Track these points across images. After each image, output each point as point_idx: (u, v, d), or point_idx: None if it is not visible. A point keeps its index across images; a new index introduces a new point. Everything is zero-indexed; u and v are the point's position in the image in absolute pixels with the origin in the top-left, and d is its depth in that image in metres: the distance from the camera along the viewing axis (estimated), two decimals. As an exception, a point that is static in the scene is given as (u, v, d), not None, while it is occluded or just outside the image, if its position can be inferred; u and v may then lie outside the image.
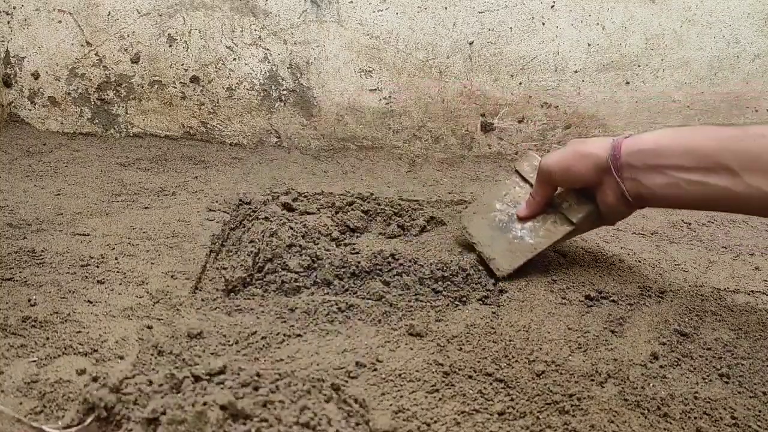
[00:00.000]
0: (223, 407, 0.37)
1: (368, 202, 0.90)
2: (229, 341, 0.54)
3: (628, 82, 1.26)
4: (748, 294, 0.69)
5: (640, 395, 0.49)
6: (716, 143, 0.55)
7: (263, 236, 0.76)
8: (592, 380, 0.51)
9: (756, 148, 0.52)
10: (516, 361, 0.53)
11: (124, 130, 1.36)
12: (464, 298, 0.66)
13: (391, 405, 0.46)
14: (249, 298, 0.66)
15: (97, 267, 0.69)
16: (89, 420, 0.40)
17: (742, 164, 0.53)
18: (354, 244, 0.79)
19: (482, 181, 1.14)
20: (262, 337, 0.56)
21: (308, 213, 0.86)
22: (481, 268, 0.72)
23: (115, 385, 0.39)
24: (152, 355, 0.51)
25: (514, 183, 0.75)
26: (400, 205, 0.89)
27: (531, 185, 0.72)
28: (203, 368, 0.41)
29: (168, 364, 0.50)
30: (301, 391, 0.41)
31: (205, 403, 0.37)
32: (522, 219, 0.70)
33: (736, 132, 0.55)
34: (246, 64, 1.30)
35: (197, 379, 0.41)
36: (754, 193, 0.52)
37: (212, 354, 0.52)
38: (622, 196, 0.62)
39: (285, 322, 0.60)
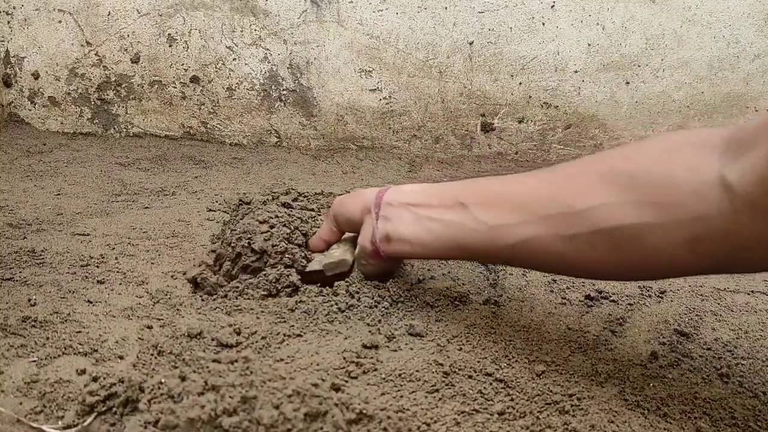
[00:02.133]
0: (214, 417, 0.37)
1: None
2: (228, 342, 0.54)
3: (628, 82, 1.26)
4: (748, 294, 0.69)
5: (640, 395, 0.49)
6: (460, 184, 0.57)
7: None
8: (592, 380, 0.51)
9: (484, 184, 0.56)
10: (516, 361, 0.53)
11: (124, 130, 1.36)
12: (464, 298, 0.66)
13: (391, 405, 0.46)
14: (249, 299, 0.66)
15: (97, 267, 0.69)
16: (89, 420, 0.40)
17: (472, 199, 0.54)
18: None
19: (482, 181, 1.15)
20: (262, 337, 0.56)
21: (308, 210, 0.86)
22: (485, 268, 0.72)
23: (114, 385, 0.39)
24: (152, 355, 0.51)
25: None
26: None
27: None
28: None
29: (168, 364, 0.50)
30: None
31: (202, 407, 0.37)
32: (311, 251, 0.70)
33: (485, 179, 0.57)
34: (246, 64, 1.30)
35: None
36: (480, 228, 0.53)
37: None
38: (371, 237, 0.61)
39: (285, 322, 0.60)
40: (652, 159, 0.45)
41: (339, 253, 0.67)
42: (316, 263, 0.68)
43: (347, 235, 0.70)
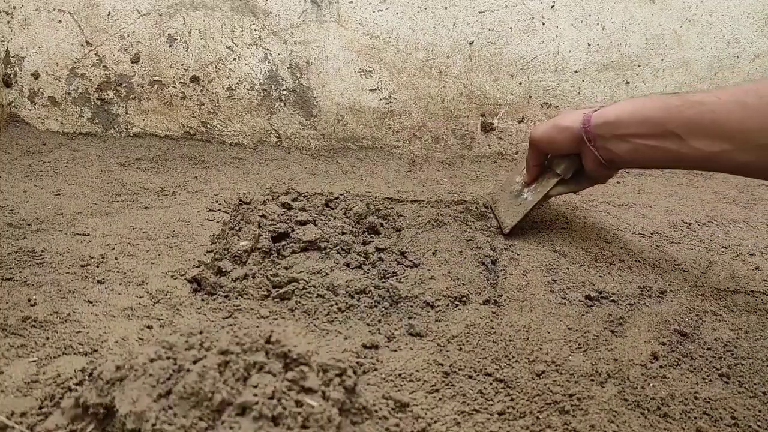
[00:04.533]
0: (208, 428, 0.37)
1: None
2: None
3: (628, 82, 1.26)
4: (748, 294, 0.69)
5: (640, 395, 0.49)
6: (665, 113, 0.65)
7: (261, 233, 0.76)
8: (592, 380, 0.51)
9: (696, 115, 0.62)
10: (516, 361, 0.53)
11: (124, 130, 1.36)
12: (464, 298, 0.66)
13: (391, 405, 0.46)
14: (249, 299, 0.66)
15: (97, 267, 0.69)
16: (90, 428, 0.40)
17: (686, 130, 0.62)
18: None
19: (482, 181, 1.14)
20: (262, 337, 0.56)
21: (305, 210, 0.86)
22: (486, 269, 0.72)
23: (108, 386, 0.39)
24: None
25: None
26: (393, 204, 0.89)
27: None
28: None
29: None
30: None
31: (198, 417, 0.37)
32: (527, 184, 0.83)
33: (680, 101, 0.64)
34: (246, 64, 1.30)
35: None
36: (697, 153, 0.62)
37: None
38: (599, 161, 0.73)
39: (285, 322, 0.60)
40: None
41: (560, 159, 0.78)
42: (548, 179, 0.80)
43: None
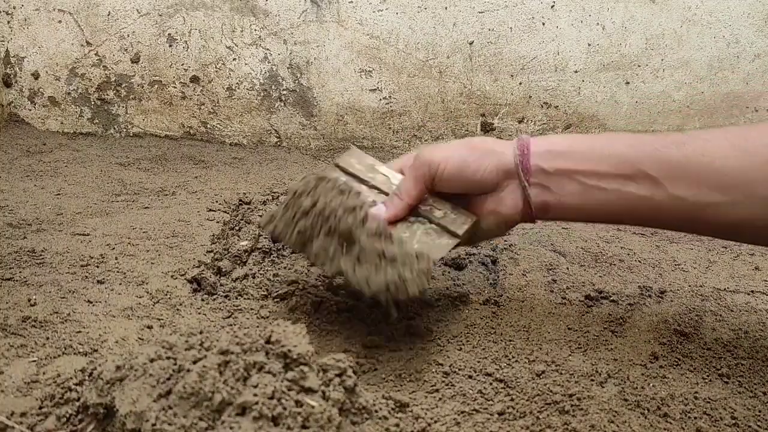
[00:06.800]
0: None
1: None
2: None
3: (628, 82, 1.27)
4: (748, 294, 0.69)
5: (640, 395, 0.49)
6: (635, 150, 0.50)
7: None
8: (592, 380, 0.51)
9: (679, 156, 0.49)
10: (516, 361, 0.53)
11: (124, 130, 1.36)
12: (464, 298, 0.66)
13: (390, 405, 0.46)
14: (249, 299, 0.66)
15: (97, 267, 0.69)
16: (89, 423, 0.40)
17: (665, 174, 0.49)
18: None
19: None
20: (262, 337, 0.56)
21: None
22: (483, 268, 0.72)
23: (108, 386, 0.39)
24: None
25: (337, 183, 0.55)
26: None
27: (367, 184, 0.58)
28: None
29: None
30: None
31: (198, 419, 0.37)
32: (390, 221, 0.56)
33: (655, 139, 0.51)
34: (246, 64, 1.30)
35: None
36: (675, 204, 0.49)
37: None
38: (524, 206, 0.53)
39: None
40: None
41: (452, 214, 0.55)
42: (435, 237, 0.54)
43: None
